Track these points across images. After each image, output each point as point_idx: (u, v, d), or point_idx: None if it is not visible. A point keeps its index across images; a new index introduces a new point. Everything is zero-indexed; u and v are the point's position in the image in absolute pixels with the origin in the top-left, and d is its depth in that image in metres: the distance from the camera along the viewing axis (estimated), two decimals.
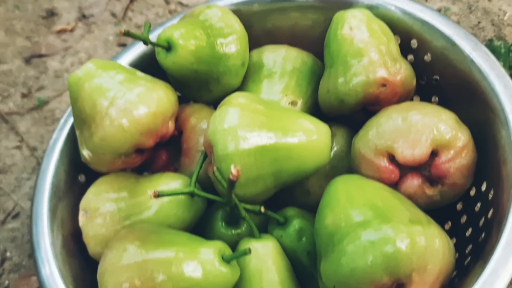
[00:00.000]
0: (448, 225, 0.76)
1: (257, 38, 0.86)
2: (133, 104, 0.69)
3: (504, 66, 0.99)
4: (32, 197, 0.72)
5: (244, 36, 0.79)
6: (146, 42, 0.71)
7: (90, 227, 0.70)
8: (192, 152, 0.76)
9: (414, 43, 0.79)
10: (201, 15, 0.77)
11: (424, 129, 0.65)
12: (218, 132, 0.65)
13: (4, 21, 1.34)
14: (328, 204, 0.64)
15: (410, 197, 0.66)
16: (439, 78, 0.78)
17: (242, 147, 0.64)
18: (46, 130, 1.14)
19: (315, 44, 0.85)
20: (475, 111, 0.71)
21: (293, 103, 0.78)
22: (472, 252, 0.65)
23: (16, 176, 1.08)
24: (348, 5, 0.80)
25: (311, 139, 0.67)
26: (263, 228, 0.72)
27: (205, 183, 0.72)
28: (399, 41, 0.79)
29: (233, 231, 0.71)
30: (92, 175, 0.76)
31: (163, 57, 0.74)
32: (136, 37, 0.69)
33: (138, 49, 0.84)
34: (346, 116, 0.76)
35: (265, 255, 0.65)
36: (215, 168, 0.65)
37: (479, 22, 1.14)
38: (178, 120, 0.78)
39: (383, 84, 0.71)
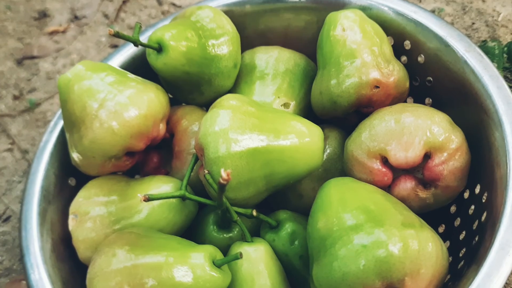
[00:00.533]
0: (441, 228, 0.75)
1: (249, 40, 0.85)
2: (124, 106, 0.68)
3: (498, 67, 0.98)
4: (21, 200, 0.71)
5: (236, 37, 0.78)
6: (136, 43, 0.70)
7: (80, 231, 0.70)
8: (184, 154, 0.75)
9: (407, 44, 0.78)
10: (193, 16, 0.76)
11: (417, 131, 0.65)
12: (209, 134, 0.64)
13: None
14: (320, 207, 0.63)
15: (403, 200, 0.66)
16: (432, 80, 0.77)
17: (233, 150, 0.63)
18: (37, 132, 1.13)
19: (308, 45, 0.84)
20: (469, 113, 0.70)
21: (286, 105, 0.77)
22: (465, 255, 0.65)
23: (7, 179, 1.07)
24: (341, 6, 0.80)
25: (304, 141, 0.66)
26: (255, 231, 0.72)
27: (197, 186, 0.72)
28: (392, 42, 0.79)
29: (224, 234, 0.70)
30: (83, 179, 0.76)
31: (154, 59, 0.73)
32: (126, 39, 0.69)
33: (129, 51, 0.83)
34: (339, 118, 0.76)
35: (257, 259, 0.64)
36: (206, 171, 0.64)
37: (473, 23, 1.14)
38: (170, 123, 0.78)
39: (376, 85, 0.71)
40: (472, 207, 0.68)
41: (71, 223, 0.70)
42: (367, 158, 0.66)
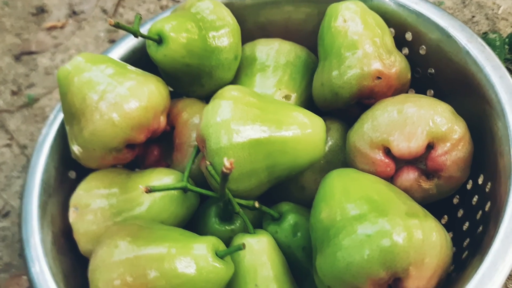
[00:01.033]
0: (444, 220, 0.75)
1: (250, 32, 0.85)
2: (124, 98, 0.68)
3: (499, 59, 0.98)
4: (21, 194, 0.71)
5: (237, 29, 0.78)
6: (136, 34, 0.70)
7: (80, 224, 0.69)
8: (185, 147, 0.75)
9: (409, 35, 0.78)
10: (193, 7, 0.76)
11: (420, 122, 0.64)
12: (211, 125, 0.64)
13: None
14: (323, 198, 0.62)
15: (406, 191, 0.65)
16: (434, 71, 0.77)
17: (235, 141, 0.63)
18: (36, 127, 1.12)
19: (309, 38, 0.84)
20: (471, 104, 0.70)
21: (287, 97, 0.77)
22: (469, 246, 0.65)
23: (6, 175, 1.06)
24: None
25: (306, 132, 0.66)
26: (257, 224, 0.71)
27: (198, 178, 0.71)
28: (394, 34, 0.78)
29: (226, 227, 0.70)
30: (83, 172, 0.75)
31: (154, 51, 0.73)
32: (126, 29, 0.68)
33: (128, 44, 0.83)
34: (341, 110, 0.75)
35: (260, 251, 0.63)
36: (208, 163, 0.64)
37: (473, 16, 1.14)
38: (170, 115, 0.77)
39: (378, 76, 0.70)
40: (476, 197, 0.68)
41: (72, 216, 0.70)
42: (370, 149, 0.66)
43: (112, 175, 0.72)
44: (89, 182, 0.71)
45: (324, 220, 0.60)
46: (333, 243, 0.57)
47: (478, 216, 0.66)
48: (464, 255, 0.64)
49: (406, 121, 0.65)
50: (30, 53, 1.26)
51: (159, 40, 0.72)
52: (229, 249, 0.60)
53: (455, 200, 0.73)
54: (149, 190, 0.62)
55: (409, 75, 0.75)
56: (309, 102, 0.79)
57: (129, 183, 0.70)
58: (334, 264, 0.56)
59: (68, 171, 0.77)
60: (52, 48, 1.25)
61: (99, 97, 0.68)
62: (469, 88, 0.70)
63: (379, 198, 0.59)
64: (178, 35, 0.72)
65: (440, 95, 0.73)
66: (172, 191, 0.68)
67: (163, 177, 0.69)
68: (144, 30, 0.78)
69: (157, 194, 0.67)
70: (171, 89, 0.80)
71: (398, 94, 0.72)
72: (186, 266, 0.57)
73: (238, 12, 0.80)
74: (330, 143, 0.74)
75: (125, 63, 0.74)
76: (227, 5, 0.81)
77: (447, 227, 0.70)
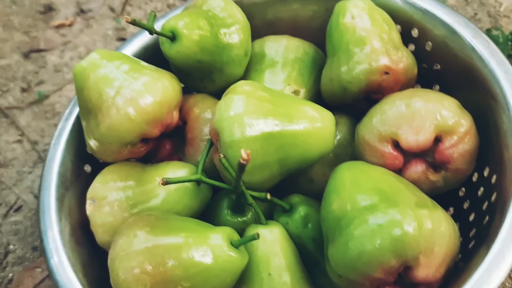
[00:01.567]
0: (450, 212, 0.77)
1: (258, 30, 0.87)
2: (139, 93, 0.70)
3: None
4: (39, 187, 0.73)
5: (247, 26, 0.80)
6: (151, 31, 0.72)
7: (98, 215, 0.71)
8: (197, 141, 0.77)
9: (415, 32, 0.80)
10: (204, 5, 0.78)
11: (428, 115, 0.66)
12: (224, 119, 0.66)
13: (2, 16, 1.34)
14: (334, 189, 0.64)
15: (414, 183, 0.67)
16: (440, 67, 0.79)
17: (248, 134, 0.65)
18: (46, 124, 1.14)
19: (316, 35, 0.85)
20: (476, 98, 0.72)
21: (296, 93, 0.79)
22: (476, 235, 0.66)
23: (18, 170, 1.08)
24: None
25: (316, 126, 0.68)
26: (268, 216, 0.73)
27: (209, 172, 0.73)
28: (400, 31, 0.80)
29: (239, 218, 0.72)
30: (98, 166, 0.77)
31: (167, 47, 0.75)
32: (142, 26, 0.70)
33: (140, 41, 0.85)
34: (349, 105, 0.77)
35: (273, 241, 0.65)
36: (221, 156, 0.65)
37: (475, 14, 1.16)
38: (182, 110, 0.79)
39: (386, 71, 0.72)
40: (482, 189, 0.70)
41: (89, 208, 0.72)
42: (379, 142, 0.68)
43: (127, 168, 0.74)
44: (105, 175, 0.73)
45: (335, 211, 0.62)
46: (345, 233, 0.59)
47: (484, 207, 0.67)
48: (471, 245, 0.66)
49: (414, 115, 0.66)
50: (39, 50, 1.28)
51: (173, 37, 0.74)
52: (243, 238, 0.62)
53: (461, 193, 0.75)
54: (165, 182, 0.64)
55: (415, 71, 0.76)
56: (318, 97, 0.81)
57: (144, 176, 0.72)
58: (346, 253, 0.58)
59: (84, 165, 0.78)
60: (61, 46, 1.27)
61: (116, 92, 0.70)
62: (474, 83, 0.72)
63: (389, 189, 0.61)
64: (191, 32, 0.73)
65: (445, 90, 0.75)
66: (186, 184, 0.69)
67: (177, 170, 0.71)
68: (155, 27, 0.80)
69: (171, 187, 0.69)
70: (182, 85, 0.82)
71: (405, 89, 0.74)
72: (202, 255, 0.59)
73: (246, 10, 0.82)
74: (338, 137, 0.76)
75: (138, 60, 0.76)
76: (237, 2, 0.82)
77: (453, 218, 0.71)
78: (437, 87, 0.81)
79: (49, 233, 0.69)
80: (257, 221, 0.70)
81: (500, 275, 0.56)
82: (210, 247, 0.60)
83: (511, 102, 0.67)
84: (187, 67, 0.77)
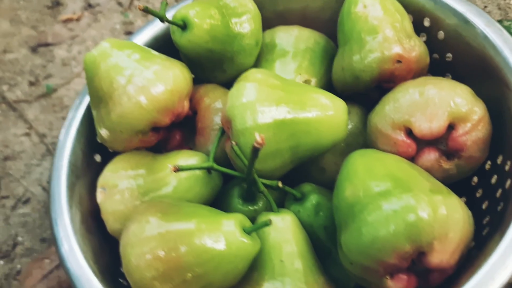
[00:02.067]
0: (463, 201, 0.76)
1: (268, 21, 0.86)
2: (151, 82, 0.70)
3: None
4: (49, 176, 0.72)
5: (258, 15, 0.79)
6: (162, 19, 0.71)
7: (108, 203, 0.71)
8: (207, 131, 0.76)
9: (427, 21, 0.79)
10: None
11: (441, 103, 0.66)
12: (236, 106, 0.66)
13: (9, 11, 1.34)
14: (346, 176, 0.64)
15: (427, 171, 0.67)
16: (452, 56, 0.78)
17: (261, 121, 0.64)
18: (55, 117, 1.14)
19: (326, 25, 0.85)
20: (489, 87, 0.71)
21: (307, 82, 0.78)
22: (489, 223, 0.66)
23: (26, 163, 1.08)
24: None
25: (328, 113, 0.67)
26: (279, 205, 0.72)
27: (220, 162, 0.73)
28: (412, 20, 0.80)
29: (249, 207, 0.71)
30: (108, 156, 0.77)
31: (178, 36, 0.75)
32: (153, 14, 0.70)
33: (151, 31, 0.84)
34: (360, 94, 0.77)
35: (284, 228, 0.65)
36: (233, 143, 0.65)
37: (485, 7, 1.15)
38: (192, 100, 0.79)
39: (398, 60, 0.72)
40: (495, 176, 0.69)
41: (100, 196, 0.71)
42: (392, 129, 0.68)
43: (138, 157, 0.74)
44: (116, 164, 0.73)
45: (349, 198, 0.62)
46: (358, 219, 0.59)
47: (498, 195, 0.67)
48: (484, 232, 0.65)
49: (428, 102, 0.66)
50: (47, 45, 1.27)
51: (184, 26, 0.73)
52: (255, 225, 0.62)
53: (474, 182, 0.74)
54: (177, 169, 0.64)
55: (427, 60, 0.76)
56: (329, 87, 0.80)
57: (155, 164, 0.71)
58: (360, 239, 0.58)
59: (94, 154, 0.78)
60: (69, 40, 1.27)
61: (127, 80, 0.70)
62: (487, 71, 0.72)
63: (403, 175, 0.61)
64: (202, 21, 0.73)
65: (458, 79, 0.74)
66: (197, 172, 0.69)
67: (189, 158, 0.70)
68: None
69: (183, 175, 0.69)
70: (193, 76, 0.82)
71: (417, 78, 0.74)
72: (215, 241, 0.59)
73: (257, 0, 0.82)
74: (350, 126, 0.76)
75: (149, 49, 0.76)
76: None
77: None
78: (449, 76, 0.80)
79: (59, 221, 0.68)
80: (268, 210, 0.70)
81: None
82: (223, 233, 0.59)
83: None
84: (198, 56, 0.76)
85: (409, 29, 0.76)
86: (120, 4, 1.32)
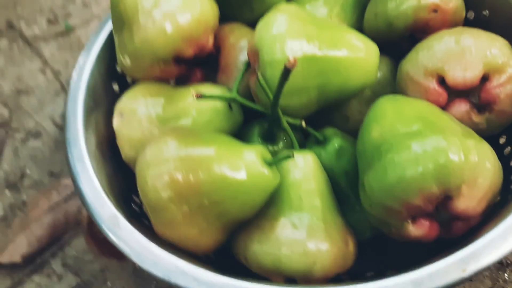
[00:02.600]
0: None
1: None
2: (178, 8, 0.67)
3: None
4: (66, 97, 0.70)
5: None
6: None
7: (125, 129, 0.68)
8: (231, 67, 0.74)
9: None
10: None
11: (477, 52, 0.63)
12: (266, 37, 0.63)
13: None
14: (374, 118, 0.62)
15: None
16: (489, 13, 0.76)
17: (290, 54, 0.62)
18: (71, 55, 1.12)
19: None
20: None
21: None
22: None
23: (39, 98, 1.06)
24: None
25: (360, 55, 0.65)
26: (300, 147, 0.71)
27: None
28: None
29: (270, 147, 0.69)
30: (125, 87, 0.75)
31: None
32: None
33: None
34: (392, 43, 0.74)
35: (305, 167, 0.63)
36: (259, 75, 0.63)
37: None
38: (217, 38, 0.76)
39: (435, 9, 0.69)
40: None
41: (116, 122, 0.69)
42: (424, 77, 0.65)
43: (159, 86, 0.72)
44: (136, 91, 0.71)
45: (375, 139, 0.59)
46: (385, 158, 0.56)
47: None
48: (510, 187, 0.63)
49: (463, 51, 0.64)
50: None
51: None
52: (277, 157, 0.60)
53: (502, 140, 0.72)
54: (200, 96, 0.62)
55: (463, 14, 0.73)
56: None
57: (176, 95, 0.69)
58: (385, 178, 0.56)
59: (113, 82, 0.76)
60: None
61: (153, 5, 0.67)
62: None
63: (434, 118, 0.58)
64: None
65: None
66: (219, 105, 0.67)
67: (212, 89, 0.68)
68: None
69: (203, 106, 0.67)
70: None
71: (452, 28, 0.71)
72: (235, 169, 0.57)
73: None
74: (379, 74, 0.74)
75: None
76: None
77: None
78: None
79: (74, 142, 0.66)
80: (292, 148, 0.68)
81: None
82: (243, 162, 0.57)
83: None
84: None
85: None
86: None
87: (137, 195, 0.62)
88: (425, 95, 0.65)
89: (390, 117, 0.60)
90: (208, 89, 0.68)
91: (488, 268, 0.53)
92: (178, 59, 0.71)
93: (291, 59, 0.52)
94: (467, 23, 0.76)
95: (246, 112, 0.70)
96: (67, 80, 1.07)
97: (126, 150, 0.68)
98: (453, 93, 0.65)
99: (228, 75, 0.74)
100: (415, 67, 0.66)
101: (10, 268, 0.84)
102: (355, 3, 0.79)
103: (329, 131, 0.70)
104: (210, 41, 0.73)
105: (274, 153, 0.68)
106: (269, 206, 0.61)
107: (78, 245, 0.85)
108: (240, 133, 0.71)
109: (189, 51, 0.70)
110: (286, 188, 0.62)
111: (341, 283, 0.56)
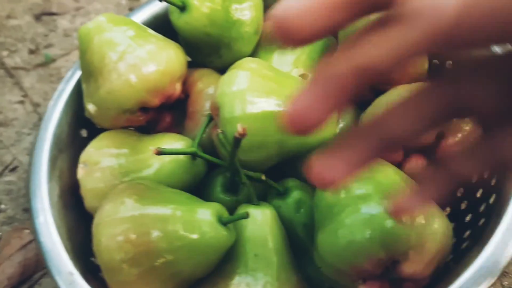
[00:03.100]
0: (446, 211, 0.75)
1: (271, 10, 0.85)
2: (142, 61, 0.68)
3: None
4: (32, 146, 0.71)
5: (260, 4, 0.78)
6: None
7: (88, 180, 0.70)
8: (197, 115, 0.75)
9: None
10: None
11: None
12: (226, 94, 0.65)
13: None
14: None
15: (413, 178, 0.66)
16: (452, 63, 0.77)
17: (249, 111, 0.63)
18: (50, 87, 1.13)
19: None
20: None
21: (303, 76, 0.77)
22: (470, 236, 0.65)
23: (17, 131, 1.07)
24: None
25: None
26: (262, 197, 0.72)
27: (207, 148, 0.72)
28: None
29: (231, 197, 0.70)
30: (94, 132, 0.76)
31: (176, 17, 0.73)
32: None
33: (150, 10, 0.83)
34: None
35: (262, 222, 0.64)
36: (219, 131, 0.64)
37: None
38: (186, 84, 0.78)
39: None
40: (480, 190, 0.68)
41: (80, 172, 0.70)
42: None
43: (124, 135, 0.73)
44: (100, 141, 0.72)
45: (328, 198, 0.61)
46: (336, 220, 0.58)
47: (481, 209, 0.66)
48: (463, 245, 0.64)
49: None
50: (51, 14, 1.26)
51: (182, 7, 0.72)
52: (232, 216, 0.61)
53: (459, 193, 0.73)
54: (160, 152, 0.63)
55: (426, 66, 0.75)
56: None
57: (140, 145, 0.71)
58: (336, 241, 0.57)
59: (80, 129, 0.77)
60: (73, 11, 1.26)
61: (118, 57, 0.69)
62: None
63: (385, 181, 0.59)
64: (201, 4, 0.72)
65: None
66: (181, 157, 0.68)
67: (174, 142, 0.69)
68: None
69: (166, 158, 0.68)
70: (189, 59, 0.81)
71: (415, 82, 0.72)
72: (189, 229, 0.58)
73: None
74: (341, 125, 0.75)
75: (146, 27, 0.75)
76: None
77: (450, 218, 0.70)
78: None
79: (37, 193, 0.68)
80: (250, 202, 0.69)
81: (490, 279, 0.55)
82: (198, 222, 0.59)
83: None
84: (195, 39, 0.75)
85: None
86: None
87: None
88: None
89: None
90: (170, 141, 0.69)
91: None
92: (145, 108, 0.72)
93: (240, 129, 0.53)
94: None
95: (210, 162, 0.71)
96: (45, 113, 1.08)
97: (89, 200, 0.70)
98: (411, 149, 0.66)
99: (195, 122, 0.75)
100: None
101: None
102: (322, 51, 0.80)
103: (290, 182, 0.71)
104: (178, 89, 0.74)
105: (236, 204, 0.69)
106: (224, 262, 0.62)
107: (48, 284, 0.86)
108: (204, 182, 0.72)
109: (154, 101, 0.71)
110: (242, 243, 0.63)
111: None
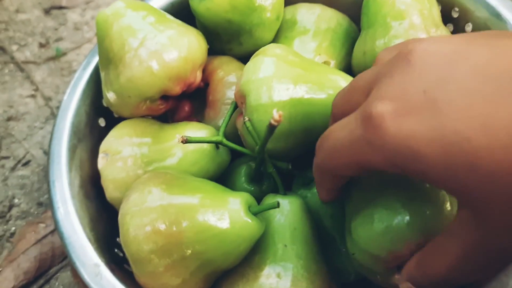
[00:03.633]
0: None
1: None
2: (164, 47, 0.67)
3: None
4: (50, 136, 0.69)
5: None
6: None
7: (110, 170, 0.68)
8: (218, 104, 0.73)
9: (455, 12, 0.76)
10: None
11: None
12: (252, 82, 0.63)
13: None
14: None
15: None
16: None
17: (276, 99, 0.61)
18: (62, 81, 1.11)
19: (350, 7, 0.82)
20: None
21: (326, 63, 0.75)
22: None
23: (29, 125, 1.05)
24: None
25: None
26: (286, 188, 0.70)
27: (228, 138, 0.70)
28: (440, 9, 0.76)
29: (255, 187, 0.68)
30: (113, 121, 0.74)
31: (196, 3, 0.71)
32: None
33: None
34: None
35: (291, 212, 0.62)
36: (246, 119, 0.62)
37: None
38: (205, 72, 0.76)
39: None
40: None
41: (101, 162, 0.68)
42: None
43: (145, 124, 0.71)
44: (121, 129, 0.70)
45: (363, 181, 0.59)
46: (372, 205, 0.56)
47: None
48: None
49: None
50: (60, 7, 1.24)
51: None
52: (262, 206, 0.59)
53: None
54: (185, 140, 0.61)
55: None
56: (348, 71, 0.77)
57: (162, 134, 0.69)
58: (372, 226, 0.55)
59: (98, 118, 0.75)
60: (83, 5, 1.24)
61: (139, 43, 0.67)
62: None
63: None
64: None
65: None
66: (205, 146, 0.66)
67: (197, 131, 0.67)
68: None
69: (190, 147, 0.66)
70: (208, 46, 0.79)
71: None
72: (218, 219, 0.56)
73: None
74: None
75: (164, 12, 0.73)
76: None
77: None
78: None
79: (57, 184, 0.66)
80: (275, 192, 0.67)
81: None
82: (228, 211, 0.56)
83: None
84: (215, 26, 0.73)
85: (437, 17, 0.72)
86: None
87: None
88: None
89: None
90: (194, 129, 0.67)
91: None
92: (165, 97, 0.70)
93: (276, 115, 0.50)
94: None
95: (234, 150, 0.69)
96: (57, 107, 1.06)
97: (110, 191, 0.67)
98: None
99: (216, 111, 0.74)
100: None
101: None
102: (344, 38, 0.78)
103: None
104: (198, 77, 0.72)
105: (261, 194, 0.67)
106: (253, 253, 0.60)
107: (64, 279, 0.85)
108: (227, 171, 0.71)
109: (176, 89, 0.69)
110: (271, 234, 0.61)
111: None
